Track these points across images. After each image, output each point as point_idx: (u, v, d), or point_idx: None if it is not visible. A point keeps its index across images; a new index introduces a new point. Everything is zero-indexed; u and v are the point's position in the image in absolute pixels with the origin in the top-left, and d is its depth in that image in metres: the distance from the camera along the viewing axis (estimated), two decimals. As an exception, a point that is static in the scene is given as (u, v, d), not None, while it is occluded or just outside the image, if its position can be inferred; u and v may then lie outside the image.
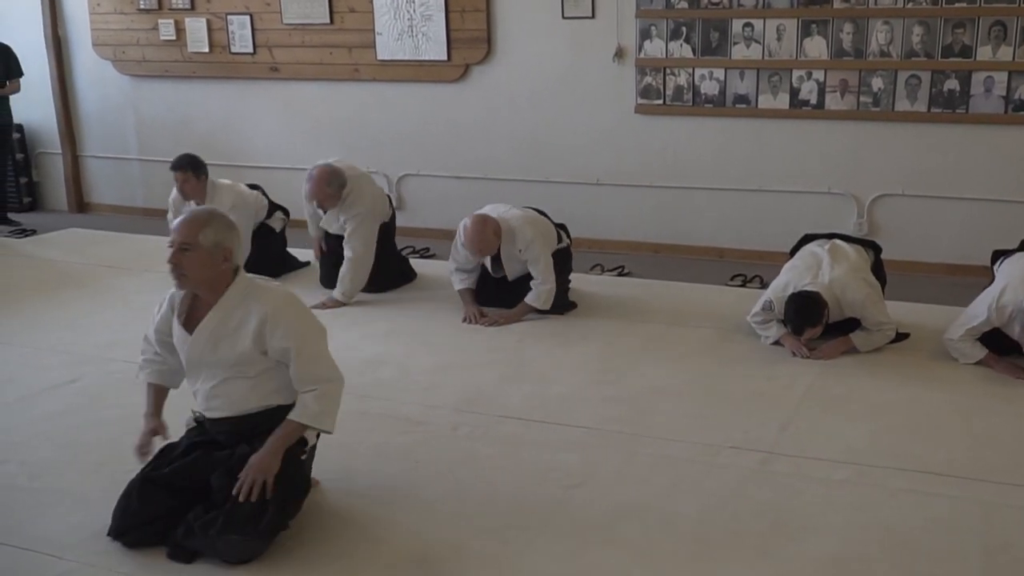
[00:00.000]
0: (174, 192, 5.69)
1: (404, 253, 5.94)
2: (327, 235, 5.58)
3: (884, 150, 5.74)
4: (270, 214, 5.82)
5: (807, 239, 4.85)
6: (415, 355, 4.53)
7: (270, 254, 5.75)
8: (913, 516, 3.04)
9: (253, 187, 5.88)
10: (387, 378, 4.26)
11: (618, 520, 3.04)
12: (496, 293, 5.09)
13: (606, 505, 3.14)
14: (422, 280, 5.72)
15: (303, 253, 6.00)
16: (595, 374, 4.27)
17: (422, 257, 6.28)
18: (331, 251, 5.56)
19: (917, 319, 4.76)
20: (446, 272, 5.80)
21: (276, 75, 7.06)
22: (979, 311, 4.17)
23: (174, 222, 2.93)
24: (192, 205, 5.40)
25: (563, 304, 5.10)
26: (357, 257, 5.27)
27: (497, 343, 4.68)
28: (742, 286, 5.55)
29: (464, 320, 5.02)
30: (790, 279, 4.49)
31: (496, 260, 5.01)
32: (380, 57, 6.73)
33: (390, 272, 5.56)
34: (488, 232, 4.83)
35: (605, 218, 6.34)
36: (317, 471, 3.24)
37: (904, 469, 3.34)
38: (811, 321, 4.32)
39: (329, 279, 5.52)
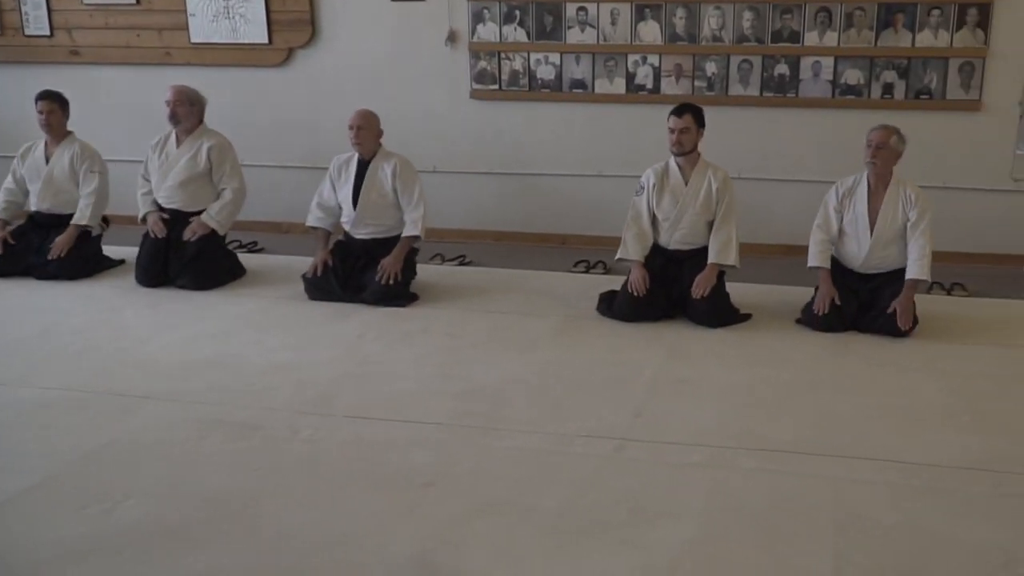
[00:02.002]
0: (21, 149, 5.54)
1: (231, 248, 5.59)
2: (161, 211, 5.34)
3: (719, 134, 5.76)
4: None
5: None
6: (247, 355, 4.22)
7: (85, 255, 5.45)
8: (766, 495, 3.03)
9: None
10: (218, 382, 3.93)
11: (475, 517, 2.89)
12: (346, 279, 4.94)
13: (462, 503, 2.97)
14: (251, 276, 5.43)
15: (116, 251, 5.63)
16: (441, 367, 4.09)
17: (249, 252, 5.96)
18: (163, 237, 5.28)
19: (757, 300, 4.83)
20: (278, 263, 5.54)
21: (77, 59, 6.56)
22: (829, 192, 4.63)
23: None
24: (40, 154, 5.49)
25: (404, 296, 4.92)
26: (238, 192, 5.35)
27: (335, 339, 4.43)
28: (586, 272, 5.51)
29: (306, 274, 4.97)
30: None
31: (360, 172, 4.99)
32: (194, 40, 6.33)
33: (217, 269, 5.28)
34: (375, 120, 4.99)
35: (443, 206, 6.14)
36: (137, 482, 2.92)
37: (754, 449, 3.34)
38: (691, 108, 4.61)
39: (147, 277, 5.24)
